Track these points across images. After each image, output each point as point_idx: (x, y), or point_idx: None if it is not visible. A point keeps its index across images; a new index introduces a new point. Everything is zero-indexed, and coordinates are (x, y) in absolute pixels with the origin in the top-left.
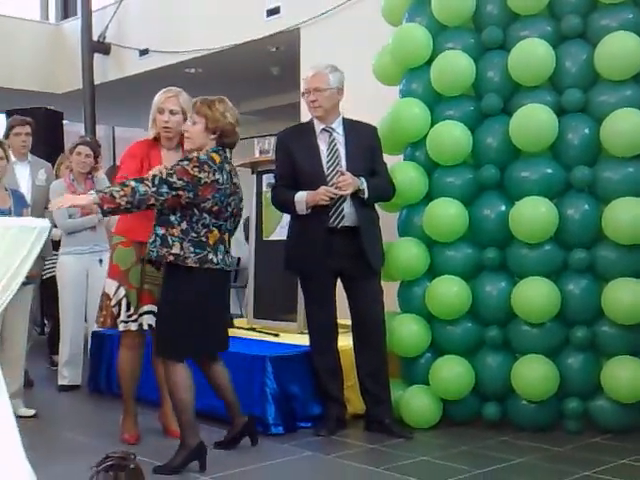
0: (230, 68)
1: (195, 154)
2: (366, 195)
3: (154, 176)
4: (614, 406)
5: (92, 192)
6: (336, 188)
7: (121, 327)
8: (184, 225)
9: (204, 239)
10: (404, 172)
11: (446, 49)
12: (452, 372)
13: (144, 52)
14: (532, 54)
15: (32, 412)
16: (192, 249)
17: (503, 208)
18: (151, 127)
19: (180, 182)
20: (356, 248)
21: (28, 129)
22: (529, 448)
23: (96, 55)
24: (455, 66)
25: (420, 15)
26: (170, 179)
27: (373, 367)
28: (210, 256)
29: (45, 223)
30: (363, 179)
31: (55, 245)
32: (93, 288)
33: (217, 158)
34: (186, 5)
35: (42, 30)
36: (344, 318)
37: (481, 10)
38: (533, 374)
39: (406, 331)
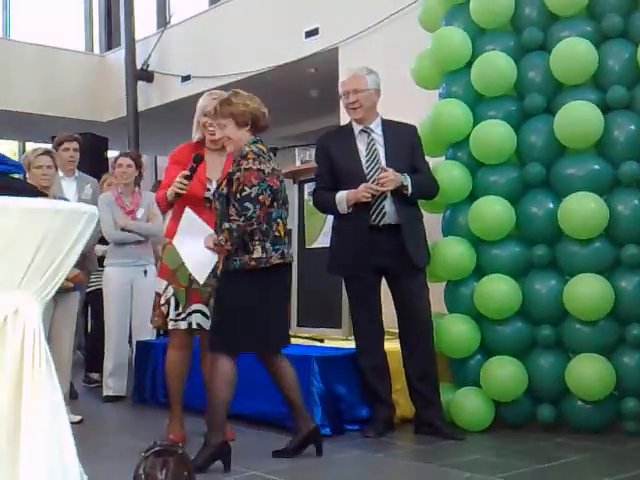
0: (270, 90)
1: (247, 149)
2: (410, 191)
3: (233, 208)
4: None
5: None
6: (377, 184)
7: (170, 326)
8: (263, 226)
9: (276, 234)
10: (447, 171)
11: (485, 51)
12: (504, 372)
13: (186, 78)
14: (574, 52)
15: (78, 418)
16: (272, 247)
17: (551, 205)
18: (195, 130)
19: (254, 188)
20: (399, 245)
21: (76, 145)
22: (587, 448)
23: (139, 83)
24: (496, 66)
25: (458, 20)
26: (243, 194)
27: (422, 367)
28: (286, 250)
29: (95, 210)
30: (407, 175)
31: (100, 261)
32: (138, 299)
33: (262, 147)
34: (225, 30)
35: (88, 61)
36: (391, 326)
37: (520, 12)
38: (588, 373)
39: (455, 332)
